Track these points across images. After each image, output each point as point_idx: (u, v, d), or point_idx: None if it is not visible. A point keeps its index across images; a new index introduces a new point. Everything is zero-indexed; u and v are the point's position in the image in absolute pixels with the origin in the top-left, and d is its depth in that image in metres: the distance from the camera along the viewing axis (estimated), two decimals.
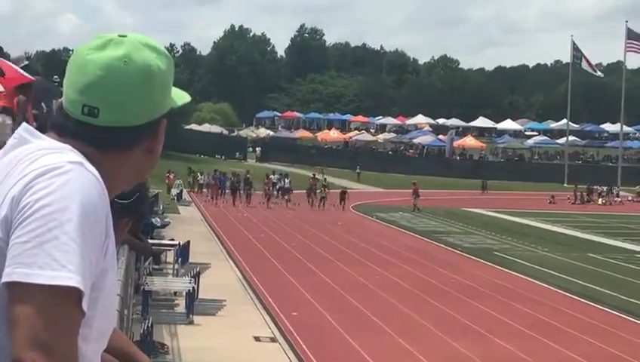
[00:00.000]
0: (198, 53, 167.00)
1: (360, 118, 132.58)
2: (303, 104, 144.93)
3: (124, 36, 2.08)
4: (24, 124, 2.08)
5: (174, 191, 59.27)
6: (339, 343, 20.43)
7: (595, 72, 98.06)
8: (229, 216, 50.52)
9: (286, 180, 63.77)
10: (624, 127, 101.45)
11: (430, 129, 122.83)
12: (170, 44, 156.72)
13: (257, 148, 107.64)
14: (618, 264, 35.62)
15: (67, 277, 1.81)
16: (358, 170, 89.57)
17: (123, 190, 2.16)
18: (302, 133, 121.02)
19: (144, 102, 2.05)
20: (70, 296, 1.82)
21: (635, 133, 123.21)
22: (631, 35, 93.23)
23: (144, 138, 2.09)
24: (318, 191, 60.31)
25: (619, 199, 75.62)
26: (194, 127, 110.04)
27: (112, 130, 2.03)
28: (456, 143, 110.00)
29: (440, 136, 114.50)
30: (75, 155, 1.97)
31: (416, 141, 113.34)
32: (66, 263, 1.81)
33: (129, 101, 2.02)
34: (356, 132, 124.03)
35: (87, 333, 1.90)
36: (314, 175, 65.59)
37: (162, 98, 2.10)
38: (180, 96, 2.19)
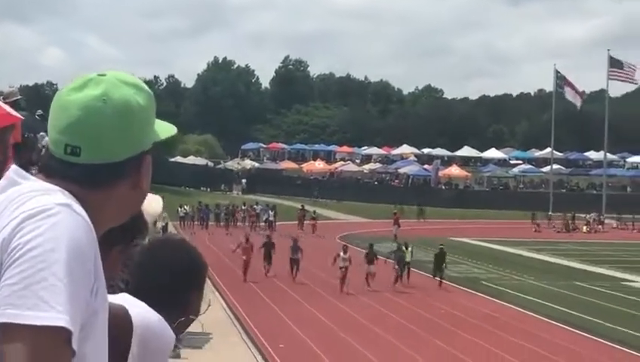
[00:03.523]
0: (182, 85, 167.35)
1: (345, 148, 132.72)
2: (288, 135, 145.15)
3: (104, 75, 2.11)
4: (13, 165, 2.10)
5: (160, 224, 59.11)
6: None
7: (579, 99, 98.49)
8: (213, 248, 50.38)
9: (270, 212, 63.84)
10: (608, 154, 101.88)
11: (415, 159, 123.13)
12: (155, 76, 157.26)
13: (243, 180, 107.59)
14: (605, 292, 35.66)
15: (56, 317, 1.82)
16: (316, 196, 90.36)
17: (112, 226, 2.18)
18: (287, 164, 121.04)
19: (124, 139, 2.07)
20: (59, 336, 1.83)
21: (619, 161, 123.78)
22: (613, 63, 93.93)
23: (128, 173, 2.10)
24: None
25: (601, 227, 75.84)
26: (179, 159, 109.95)
27: (95, 167, 2.06)
28: (441, 173, 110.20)
29: (425, 166, 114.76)
30: (63, 197, 1.99)
31: (401, 171, 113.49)
32: (54, 304, 1.83)
33: (109, 138, 2.05)
34: (342, 162, 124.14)
35: None
36: (302, 206, 65.88)
37: (143, 133, 2.12)
38: (165, 129, 2.22)
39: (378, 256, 36.43)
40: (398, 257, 36.42)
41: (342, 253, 34.31)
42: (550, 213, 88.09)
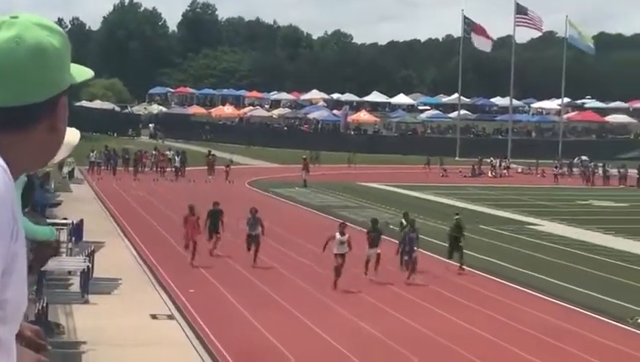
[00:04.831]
0: (87, 28, 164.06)
1: (254, 93, 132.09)
2: (196, 80, 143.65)
3: (16, 17, 2.08)
4: None
5: (66, 169, 58.24)
6: (237, 319, 20.42)
7: (489, 44, 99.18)
8: (122, 194, 49.93)
9: (177, 158, 63.41)
10: (514, 100, 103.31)
11: (325, 104, 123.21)
12: (59, 18, 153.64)
13: (150, 125, 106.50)
14: (509, 235, 36.36)
15: None
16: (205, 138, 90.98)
17: (30, 170, 2.16)
18: (195, 109, 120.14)
19: (38, 81, 2.05)
20: None
21: (525, 107, 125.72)
22: (520, 9, 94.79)
23: (44, 116, 2.08)
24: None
25: (506, 172, 77.12)
26: (85, 103, 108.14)
27: (9, 110, 2.02)
28: (350, 118, 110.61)
29: (334, 111, 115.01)
30: None
31: (310, 116, 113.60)
32: None
33: (22, 80, 2.03)
34: (251, 107, 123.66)
35: (1, 316, 1.90)
36: (209, 151, 65.60)
37: (58, 75, 2.10)
38: (81, 73, 2.21)
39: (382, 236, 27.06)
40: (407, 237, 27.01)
41: (338, 235, 25.00)
42: (457, 157, 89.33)
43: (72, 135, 2.66)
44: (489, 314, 21.61)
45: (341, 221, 27.11)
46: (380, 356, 17.59)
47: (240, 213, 31.27)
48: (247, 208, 30.05)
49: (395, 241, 27.69)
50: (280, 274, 25.74)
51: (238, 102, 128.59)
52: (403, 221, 29.24)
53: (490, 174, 74.87)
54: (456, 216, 30.07)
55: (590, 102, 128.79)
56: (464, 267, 27.51)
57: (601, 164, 72.80)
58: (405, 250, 26.52)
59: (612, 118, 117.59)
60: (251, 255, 27.67)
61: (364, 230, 37.23)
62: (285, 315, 20.92)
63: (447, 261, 28.19)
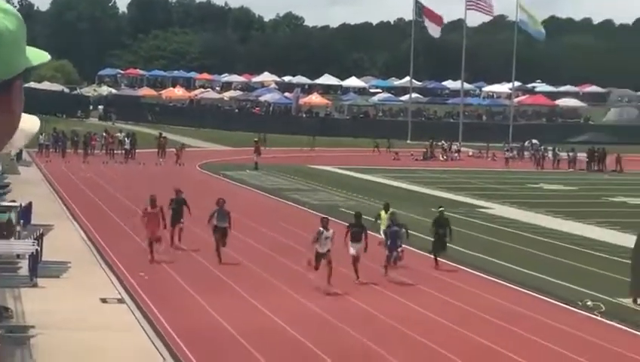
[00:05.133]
0: (35, 8, 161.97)
1: (205, 75, 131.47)
2: (146, 61, 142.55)
3: None
4: None
5: (13, 152, 57.49)
6: (187, 302, 20.25)
7: (437, 29, 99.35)
8: (71, 176, 49.40)
9: (127, 140, 62.88)
10: (465, 84, 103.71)
11: (276, 86, 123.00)
12: None
13: (100, 107, 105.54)
14: (461, 218, 36.46)
15: None
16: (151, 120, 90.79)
17: None
18: (145, 91, 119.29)
19: None
20: None
21: (475, 90, 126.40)
22: None
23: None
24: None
25: (457, 155, 77.47)
26: (32, 84, 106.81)
27: None
28: (302, 101, 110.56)
29: (286, 94, 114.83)
30: None
31: (262, 99, 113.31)
32: None
33: None
34: (201, 90, 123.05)
35: None
36: (160, 133, 65.24)
37: (13, 58, 2.05)
38: (37, 56, 2.17)
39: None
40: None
41: (322, 229, 22.50)
42: (409, 141, 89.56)
43: (32, 123, 2.54)
44: (441, 297, 21.62)
45: (323, 215, 24.14)
46: (327, 335, 17.52)
47: (193, 195, 30.99)
48: (199, 191, 29.83)
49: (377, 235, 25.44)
50: (232, 258, 25.53)
51: (188, 84, 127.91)
52: (382, 213, 27.10)
53: (441, 157, 75.16)
54: (440, 209, 27.69)
55: (540, 86, 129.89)
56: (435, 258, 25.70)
57: (551, 148, 73.37)
58: (387, 244, 24.12)
59: (562, 102, 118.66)
60: (220, 249, 25.28)
61: (316, 213, 37.31)
62: (237, 299, 20.78)
63: (432, 256, 25.86)
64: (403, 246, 24.24)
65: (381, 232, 25.48)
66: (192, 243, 27.36)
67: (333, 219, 35.36)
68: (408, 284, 23.22)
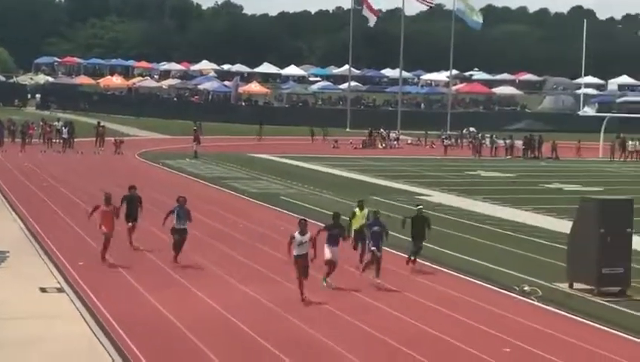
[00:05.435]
0: None
1: (143, 63, 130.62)
2: (83, 49, 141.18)
3: None
4: None
5: None
6: (128, 291, 20.16)
7: (373, 17, 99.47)
8: (8, 166, 48.76)
9: (64, 129, 62.19)
10: (403, 72, 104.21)
11: (215, 75, 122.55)
12: None
13: (37, 95, 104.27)
14: (400, 206, 36.67)
15: None
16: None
17: None
18: (83, 80, 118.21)
19: None
20: None
21: (414, 79, 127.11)
22: None
23: None
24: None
25: (396, 143, 77.88)
26: None
27: None
28: (241, 89, 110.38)
29: (225, 82, 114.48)
30: None
31: (201, 87, 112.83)
32: None
33: None
34: (140, 78, 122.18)
35: None
36: (99, 122, 64.73)
37: None
38: None
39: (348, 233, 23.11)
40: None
41: (297, 234, 19.86)
42: (348, 129, 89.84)
43: None
44: (378, 282, 21.73)
45: (302, 218, 20.95)
46: (270, 324, 17.58)
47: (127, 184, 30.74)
48: (139, 181, 29.58)
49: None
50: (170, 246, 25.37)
51: (126, 73, 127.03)
52: (356, 210, 24.38)
53: (380, 145, 75.54)
54: (419, 207, 25.05)
55: (478, 74, 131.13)
56: (413, 259, 23.78)
57: (488, 135, 74.08)
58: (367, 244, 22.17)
59: (499, 90, 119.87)
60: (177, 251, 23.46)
61: (256, 201, 37.32)
62: (177, 287, 20.73)
63: (409, 257, 23.83)
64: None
65: (352, 232, 23.49)
66: (137, 232, 27.20)
67: (275, 208, 35.45)
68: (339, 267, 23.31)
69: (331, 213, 22.64)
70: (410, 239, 23.82)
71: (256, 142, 73.23)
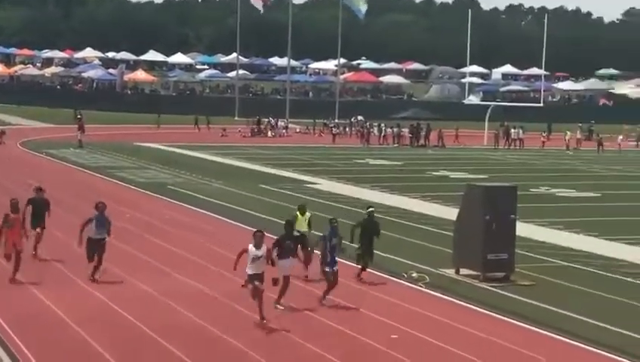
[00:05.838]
0: None
1: (25, 51, 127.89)
2: None
3: None
4: None
5: None
6: (16, 291, 19.66)
7: (260, 4, 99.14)
8: None
9: None
10: (291, 61, 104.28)
11: (100, 62, 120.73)
12: None
13: None
14: (288, 193, 36.67)
15: None
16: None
17: None
18: None
19: None
20: None
21: (302, 67, 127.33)
22: None
23: None
24: None
25: (285, 131, 77.96)
26: None
27: None
28: (126, 77, 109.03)
29: (110, 70, 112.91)
30: None
31: (85, 75, 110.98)
32: None
33: None
34: (22, 66, 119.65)
35: None
36: None
37: None
38: None
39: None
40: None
41: (251, 246, 17.10)
42: (237, 117, 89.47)
43: None
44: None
45: (257, 229, 17.50)
46: (159, 316, 17.33)
47: (15, 175, 30.03)
48: (22, 170, 28.83)
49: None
50: (59, 240, 24.80)
51: (8, 61, 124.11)
52: (298, 213, 21.82)
53: (269, 134, 75.49)
54: (369, 210, 22.30)
55: (365, 63, 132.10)
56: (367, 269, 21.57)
57: (376, 124, 74.65)
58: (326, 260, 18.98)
59: (386, 79, 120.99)
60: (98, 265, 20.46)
61: (144, 191, 36.79)
62: (68, 284, 20.25)
63: (357, 266, 21.64)
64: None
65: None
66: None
67: (163, 197, 35.01)
68: (227, 257, 23.16)
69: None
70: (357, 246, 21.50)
71: (148, 131, 72.30)
